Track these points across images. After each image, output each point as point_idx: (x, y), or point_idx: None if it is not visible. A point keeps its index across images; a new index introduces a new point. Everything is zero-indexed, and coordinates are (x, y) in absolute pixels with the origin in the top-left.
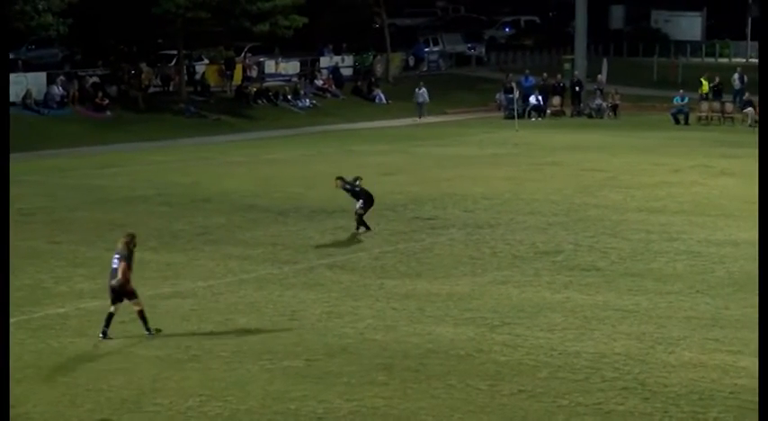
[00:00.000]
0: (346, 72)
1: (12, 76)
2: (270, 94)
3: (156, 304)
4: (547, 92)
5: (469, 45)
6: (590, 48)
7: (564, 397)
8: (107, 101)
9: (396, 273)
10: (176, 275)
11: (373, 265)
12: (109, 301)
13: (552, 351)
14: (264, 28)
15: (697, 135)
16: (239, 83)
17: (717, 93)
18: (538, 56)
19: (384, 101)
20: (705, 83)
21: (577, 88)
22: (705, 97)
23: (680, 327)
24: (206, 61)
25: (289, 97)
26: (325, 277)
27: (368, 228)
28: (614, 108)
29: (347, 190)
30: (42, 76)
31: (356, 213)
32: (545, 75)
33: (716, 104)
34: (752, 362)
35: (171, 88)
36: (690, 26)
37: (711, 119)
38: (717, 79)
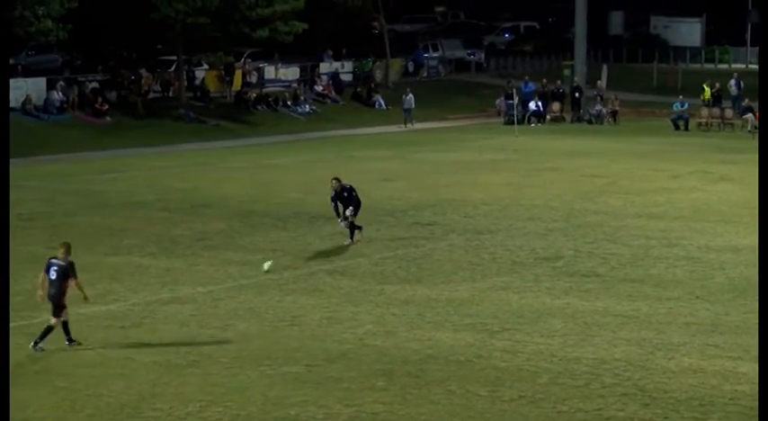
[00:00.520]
0: (346, 78)
1: (11, 82)
2: (269, 99)
3: (155, 310)
4: (546, 98)
5: (469, 51)
6: (589, 54)
7: (564, 402)
8: (107, 106)
9: (395, 278)
10: (175, 281)
11: (373, 271)
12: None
13: (552, 357)
14: (264, 34)
15: (697, 141)
16: (239, 88)
17: (716, 99)
18: (537, 62)
19: (384, 106)
20: (707, 89)
21: (577, 94)
22: (708, 103)
23: (680, 333)
24: (205, 67)
25: (288, 103)
26: (324, 283)
27: (359, 228)
28: (614, 114)
29: (341, 193)
30: (42, 81)
31: (347, 220)
32: (544, 80)
33: (716, 110)
34: (752, 368)
35: (170, 94)
36: (689, 32)
37: (711, 125)
38: (717, 85)
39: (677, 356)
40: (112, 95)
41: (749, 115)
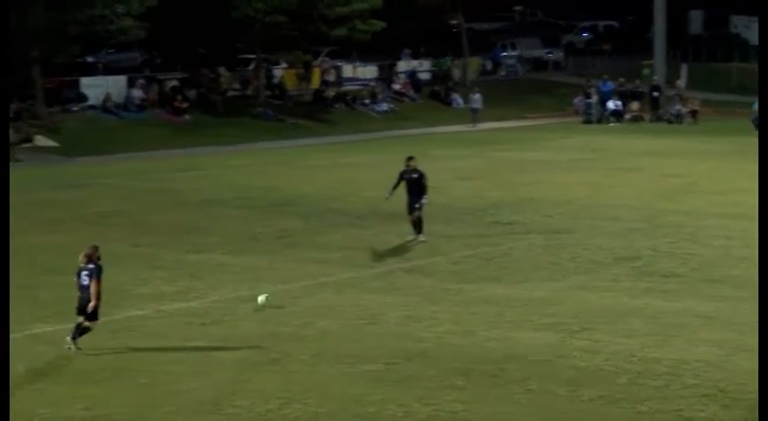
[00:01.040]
0: (424, 76)
1: (91, 80)
2: (347, 97)
3: (236, 307)
4: (625, 97)
5: (547, 50)
6: (668, 53)
7: (644, 403)
8: (186, 104)
9: (474, 277)
10: (255, 278)
11: (452, 270)
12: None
13: (632, 357)
14: (342, 32)
15: None
16: (317, 87)
17: None
18: (616, 61)
19: (461, 105)
20: None
21: (656, 93)
22: None
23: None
24: (284, 65)
25: (366, 101)
26: (403, 281)
27: (420, 230)
28: (694, 113)
29: (411, 173)
30: (122, 79)
31: (419, 211)
32: (621, 80)
33: None
34: None
35: (249, 92)
36: None
37: None
38: None
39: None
40: (192, 94)
41: None
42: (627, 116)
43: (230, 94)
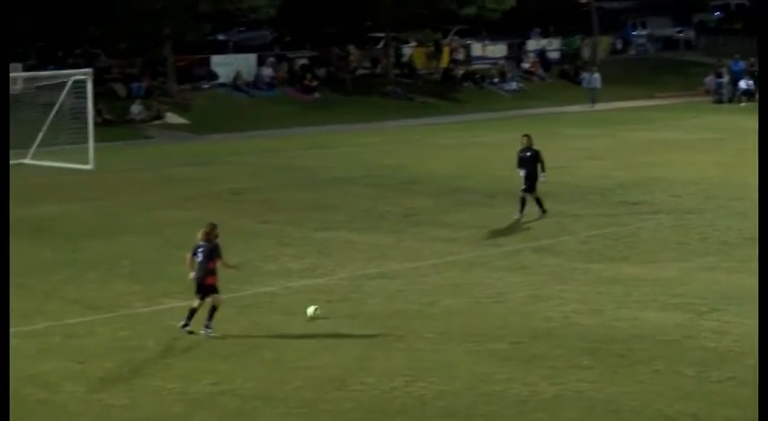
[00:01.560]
0: (553, 55)
1: (222, 58)
2: (476, 76)
3: (362, 284)
4: (757, 76)
5: (678, 28)
6: None
7: None
8: (315, 82)
9: (602, 257)
10: (383, 256)
11: (579, 249)
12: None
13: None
14: (472, 11)
15: None
16: (446, 65)
17: None
18: (748, 40)
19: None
20: None
21: None
22: None
23: None
24: (413, 44)
25: (495, 80)
26: (530, 260)
27: (522, 209)
28: None
29: (525, 151)
30: (252, 57)
31: (533, 192)
32: (752, 59)
33: None
34: None
35: (378, 70)
36: None
37: None
38: None
39: None
40: (321, 72)
41: None
42: (758, 96)
43: (359, 72)
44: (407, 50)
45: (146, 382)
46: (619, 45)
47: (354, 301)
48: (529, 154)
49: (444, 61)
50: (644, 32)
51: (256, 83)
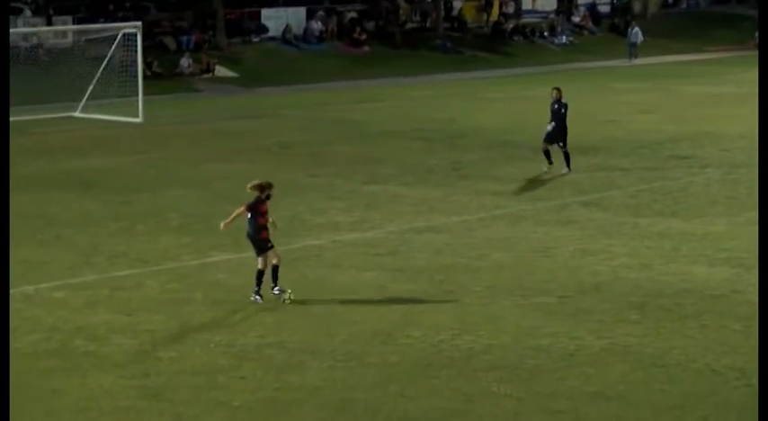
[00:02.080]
0: (604, 9)
1: (272, 11)
2: (526, 30)
3: (410, 238)
4: None
5: None
6: None
7: None
8: (365, 36)
9: (650, 211)
10: (431, 210)
11: (628, 203)
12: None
13: None
14: None
15: None
16: (496, 19)
17: None
18: None
19: (641, 38)
20: None
21: None
22: None
23: None
24: None
25: (545, 34)
26: (578, 214)
27: (550, 162)
28: None
29: (554, 104)
30: (302, 11)
31: (560, 145)
32: None
33: None
34: None
35: (428, 24)
36: None
37: None
38: None
39: None
40: (370, 25)
41: None
42: None
43: (409, 26)
44: (457, 4)
45: (193, 335)
46: None
47: (402, 255)
48: (556, 107)
49: (494, 15)
50: None
51: (306, 36)
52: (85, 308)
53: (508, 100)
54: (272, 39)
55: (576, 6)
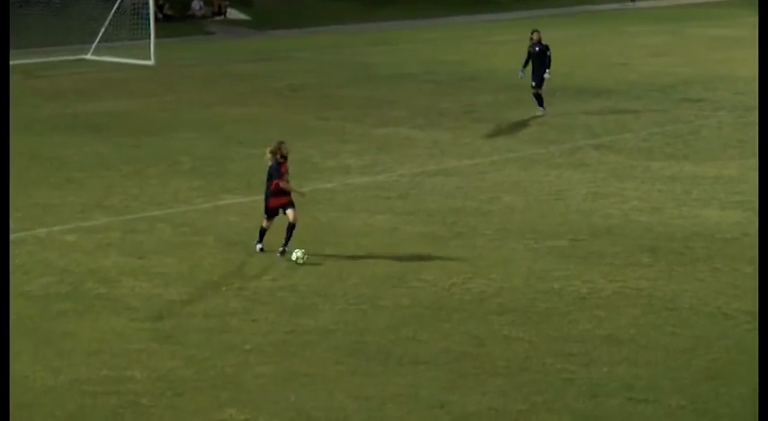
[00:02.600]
0: None
1: None
2: None
3: (422, 181)
4: None
5: None
6: None
7: None
8: None
9: (662, 154)
10: (442, 153)
11: (640, 146)
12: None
13: None
14: None
15: None
16: None
17: None
18: None
19: None
20: None
21: None
22: None
23: None
24: None
25: None
26: (590, 157)
27: (542, 104)
28: None
29: (534, 47)
30: None
31: (539, 88)
32: None
33: None
34: None
35: None
36: None
37: None
38: None
39: None
40: None
41: None
42: None
43: None
44: None
45: (205, 277)
46: None
47: (413, 198)
48: (537, 49)
49: None
50: None
51: None
52: (97, 251)
53: (520, 43)
54: None
55: None
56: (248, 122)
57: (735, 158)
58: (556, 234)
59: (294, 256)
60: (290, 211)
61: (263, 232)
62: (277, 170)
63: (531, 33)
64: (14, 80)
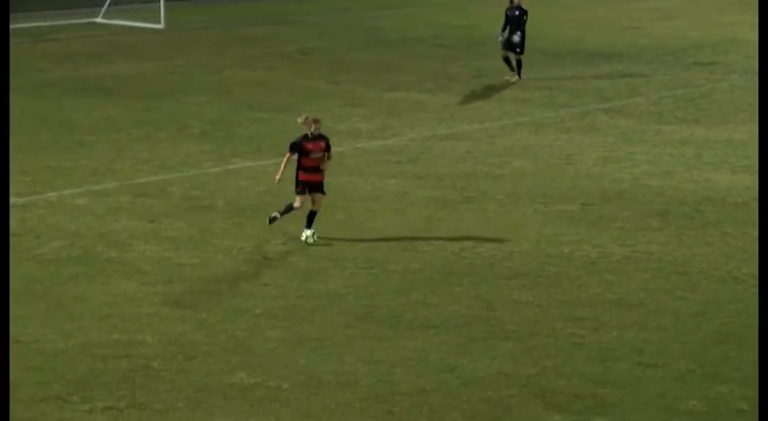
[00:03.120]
0: None
1: None
2: None
3: (432, 146)
4: None
5: None
6: None
7: None
8: None
9: (673, 118)
10: (452, 117)
11: (650, 110)
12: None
13: None
14: None
15: None
16: None
17: None
18: None
19: None
20: None
21: None
22: None
23: None
24: None
25: None
26: (601, 121)
27: (518, 69)
28: None
29: (513, 11)
30: None
31: (518, 51)
32: None
33: None
34: None
35: None
36: None
37: None
38: None
39: None
40: None
41: None
42: None
43: None
44: None
45: (216, 242)
46: None
47: (424, 162)
48: (517, 13)
49: None
50: None
51: None
52: (108, 214)
53: (531, 6)
54: None
55: None
56: (258, 86)
57: (746, 122)
58: (566, 198)
59: (304, 236)
60: (317, 196)
61: (289, 209)
62: (302, 145)
63: None
64: (24, 43)
